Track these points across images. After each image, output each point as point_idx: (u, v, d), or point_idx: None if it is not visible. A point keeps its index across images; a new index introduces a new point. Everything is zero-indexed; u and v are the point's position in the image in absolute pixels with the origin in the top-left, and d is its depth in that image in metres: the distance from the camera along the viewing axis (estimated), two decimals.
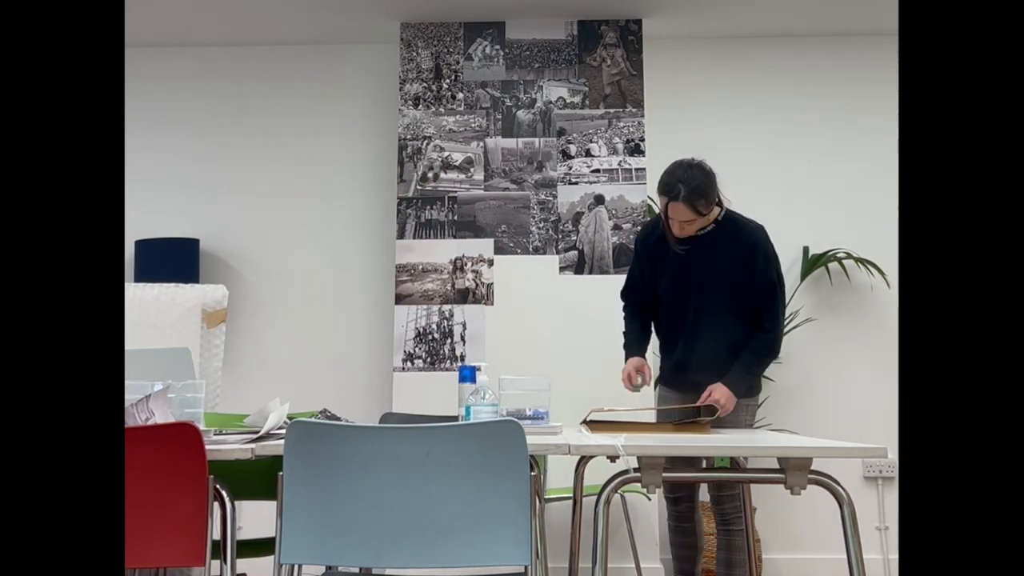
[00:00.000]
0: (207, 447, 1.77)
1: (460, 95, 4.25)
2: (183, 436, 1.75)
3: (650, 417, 2.87)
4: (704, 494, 4.10)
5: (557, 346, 4.01)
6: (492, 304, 4.10)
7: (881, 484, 4.21)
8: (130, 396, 1.97)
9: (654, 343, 2.97)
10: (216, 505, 1.79)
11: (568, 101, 4.23)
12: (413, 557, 1.67)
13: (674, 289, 2.79)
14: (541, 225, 4.14)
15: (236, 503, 1.85)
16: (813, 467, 1.85)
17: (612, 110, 4.21)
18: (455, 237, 4.15)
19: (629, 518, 3.84)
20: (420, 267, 4.13)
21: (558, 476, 3.79)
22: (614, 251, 4.10)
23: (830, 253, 4.24)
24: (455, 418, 2.34)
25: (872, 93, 4.47)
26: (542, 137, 4.21)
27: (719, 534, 2.80)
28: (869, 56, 4.49)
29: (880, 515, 4.18)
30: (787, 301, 4.30)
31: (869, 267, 4.25)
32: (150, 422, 1.91)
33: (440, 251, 4.14)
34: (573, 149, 4.19)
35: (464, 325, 4.08)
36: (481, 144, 4.21)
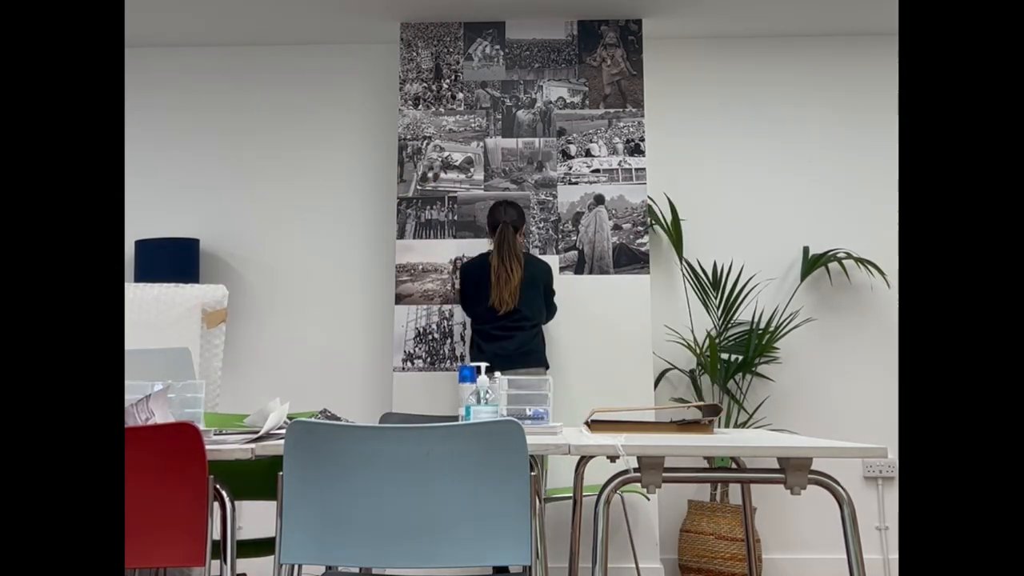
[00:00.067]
0: (207, 447, 1.76)
1: (460, 95, 4.25)
2: (183, 436, 1.75)
3: (651, 417, 2.87)
4: (704, 494, 4.11)
5: (557, 346, 4.01)
6: None
7: (881, 484, 4.21)
8: (130, 396, 1.97)
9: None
10: (216, 505, 1.79)
11: (568, 101, 4.23)
12: (413, 557, 1.67)
13: None
14: (541, 225, 4.14)
15: (236, 503, 1.85)
16: (813, 467, 1.85)
17: (612, 110, 4.21)
18: (455, 237, 4.15)
19: (629, 518, 3.84)
20: (420, 267, 4.13)
21: (558, 476, 3.79)
22: (614, 251, 4.10)
23: (830, 253, 4.24)
24: (455, 418, 2.34)
25: (872, 93, 4.47)
26: (542, 137, 4.21)
27: None
28: (869, 56, 4.49)
29: (880, 515, 4.18)
30: (788, 301, 4.30)
31: (869, 267, 4.25)
32: (150, 422, 1.91)
33: (440, 251, 4.14)
34: (573, 149, 4.19)
35: (464, 325, 4.08)
36: (481, 144, 4.21)
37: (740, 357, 4.12)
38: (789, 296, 4.32)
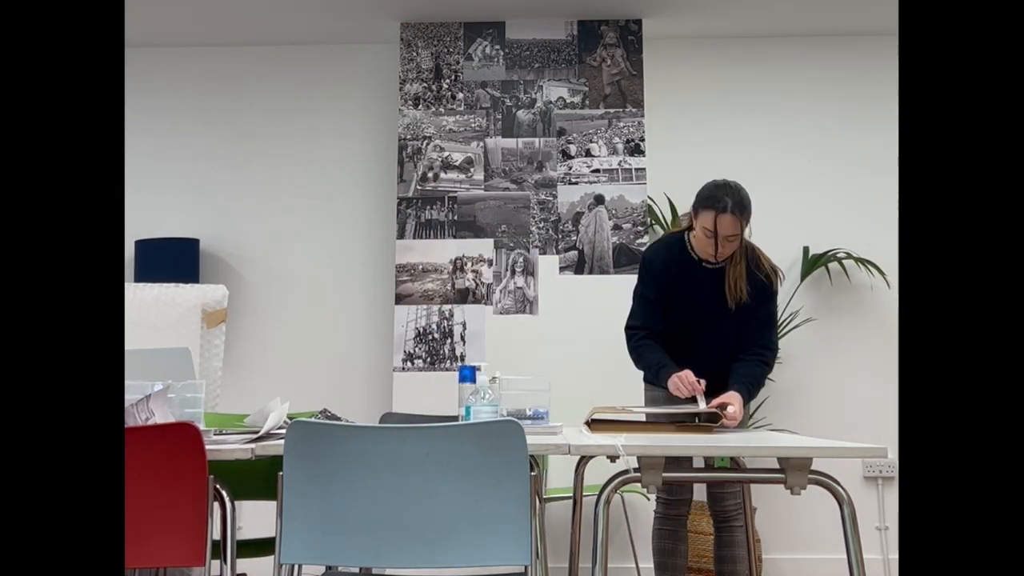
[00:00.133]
0: (207, 447, 1.77)
1: (460, 95, 4.25)
2: (183, 436, 1.75)
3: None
4: (699, 494, 4.11)
5: (557, 346, 4.01)
6: (492, 304, 4.10)
7: (881, 484, 4.21)
8: (130, 396, 1.97)
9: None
10: (216, 505, 1.79)
11: (568, 101, 4.23)
12: (413, 557, 1.67)
13: (690, 317, 2.71)
14: (541, 225, 4.14)
15: (236, 503, 1.85)
16: (813, 467, 1.85)
17: (612, 110, 4.21)
18: (455, 237, 4.15)
19: (629, 518, 3.84)
20: (420, 267, 4.13)
21: (558, 476, 3.79)
22: (614, 251, 4.10)
23: (830, 253, 4.24)
24: (455, 418, 2.34)
25: (872, 93, 4.47)
26: (542, 137, 4.21)
27: (720, 532, 2.78)
28: (869, 56, 4.49)
29: (880, 515, 4.18)
30: (787, 301, 4.30)
31: (869, 267, 4.25)
32: (150, 422, 1.91)
33: (440, 251, 4.14)
34: (573, 149, 4.19)
35: (464, 325, 4.08)
36: (481, 144, 4.21)
37: None
38: (789, 296, 4.32)
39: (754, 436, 2.36)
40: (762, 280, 2.68)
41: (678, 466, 2.69)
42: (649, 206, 4.19)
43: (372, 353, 4.40)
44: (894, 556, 4.13)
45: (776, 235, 4.39)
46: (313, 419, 1.76)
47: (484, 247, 4.15)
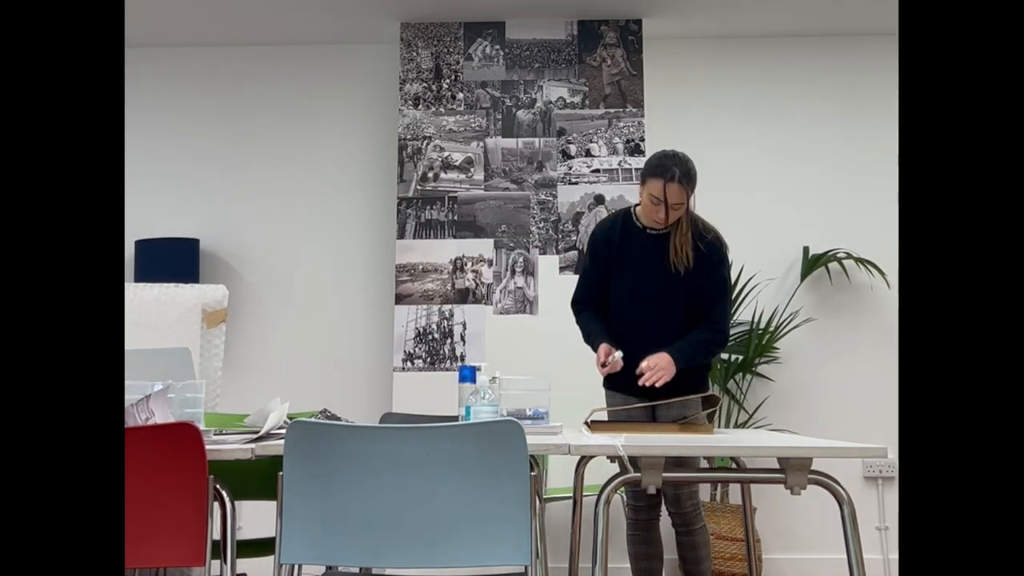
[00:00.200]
0: (207, 447, 1.77)
1: (460, 95, 4.25)
2: (183, 436, 1.75)
3: (650, 413, 2.86)
4: (704, 494, 4.10)
5: (557, 346, 4.01)
6: (492, 304, 4.10)
7: (881, 484, 4.21)
8: (130, 396, 1.97)
9: None
10: (216, 505, 1.79)
11: (568, 101, 4.23)
12: (413, 557, 1.67)
13: (635, 285, 2.77)
14: (541, 225, 4.14)
15: (236, 503, 1.86)
16: (813, 467, 1.85)
17: (612, 110, 4.21)
18: (455, 237, 4.15)
19: None
20: (420, 267, 4.13)
21: (558, 476, 3.78)
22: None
23: (830, 253, 4.24)
24: (455, 418, 2.34)
25: (872, 93, 4.47)
26: (542, 137, 4.21)
27: (680, 536, 2.78)
28: (869, 56, 4.49)
29: (880, 515, 4.18)
30: (788, 301, 4.30)
31: (869, 267, 4.25)
32: (150, 422, 1.91)
33: (440, 251, 4.14)
34: (573, 149, 4.19)
35: (464, 325, 4.08)
36: (481, 144, 4.21)
37: (740, 357, 4.12)
38: (789, 296, 4.32)
39: (754, 436, 2.36)
40: (709, 243, 2.73)
41: (679, 466, 2.70)
42: None
43: (372, 353, 4.40)
44: (894, 556, 4.13)
45: (776, 235, 4.40)
46: (313, 419, 1.76)
47: (484, 247, 4.15)
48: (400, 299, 4.11)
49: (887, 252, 4.31)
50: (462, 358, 4.04)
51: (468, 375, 2.34)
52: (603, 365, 2.72)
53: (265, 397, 4.35)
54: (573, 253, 4.11)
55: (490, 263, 4.12)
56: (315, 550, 1.69)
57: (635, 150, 4.18)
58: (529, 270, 4.11)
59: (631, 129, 4.19)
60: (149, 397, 1.96)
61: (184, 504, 1.75)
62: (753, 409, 4.23)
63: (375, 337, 4.41)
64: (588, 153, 4.18)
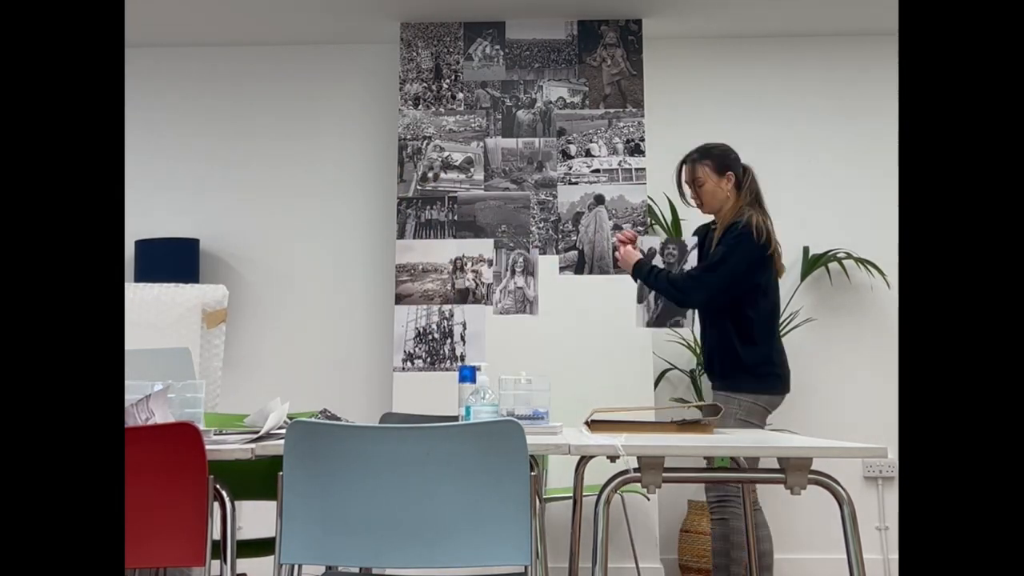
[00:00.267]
0: (207, 447, 1.76)
1: (460, 95, 4.25)
2: (183, 436, 1.75)
3: (651, 417, 2.87)
4: (700, 494, 4.11)
5: (558, 346, 4.01)
6: (492, 304, 4.10)
7: (881, 484, 4.21)
8: (130, 396, 1.97)
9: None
10: (216, 505, 1.79)
11: (568, 101, 4.23)
12: (413, 557, 1.67)
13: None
14: (541, 225, 4.14)
15: (236, 503, 1.85)
16: (813, 467, 1.85)
17: (612, 110, 4.21)
18: (455, 237, 4.15)
19: (629, 518, 3.84)
20: (420, 267, 4.13)
21: (558, 476, 3.78)
22: (614, 251, 4.10)
23: (830, 253, 4.24)
24: (455, 418, 2.34)
25: (872, 93, 4.47)
26: (542, 137, 4.21)
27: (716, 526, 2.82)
28: (869, 56, 4.49)
29: (880, 515, 4.18)
30: (788, 301, 4.30)
31: (869, 267, 4.25)
32: (150, 422, 1.91)
33: (440, 251, 4.14)
34: (573, 149, 4.19)
35: (464, 325, 4.08)
36: (481, 144, 4.21)
37: None
38: (789, 296, 4.32)
39: (754, 436, 2.36)
40: (734, 226, 2.83)
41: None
42: (649, 206, 4.19)
43: (372, 353, 4.40)
44: (894, 556, 4.13)
45: (776, 235, 4.39)
46: (313, 419, 1.76)
47: (484, 247, 4.15)
48: (400, 299, 4.11)
49: (887, 252, 4.31)
50: (462, 358, 4.04)
51: (468, 375, 2.33)
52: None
53: (265, 397, 4.33)
54: (573, 253, 4.11)
55: (490, 263, 4.12)
56: (315, 550, 1.69)
57: (635, 150, 4.18)
58: (529, 270, 4.11)
59: (631, 129, 4.19)
60: (149, 397, 1.96)
61: (184, 504, 1.74)
62: None
63: (375, 337, 4.41)
64: (588, 153, 4.18)
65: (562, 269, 4.10)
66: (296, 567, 2.19)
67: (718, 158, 2.87)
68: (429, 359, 4.06)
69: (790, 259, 4.35)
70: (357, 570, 1.98)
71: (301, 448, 1.69)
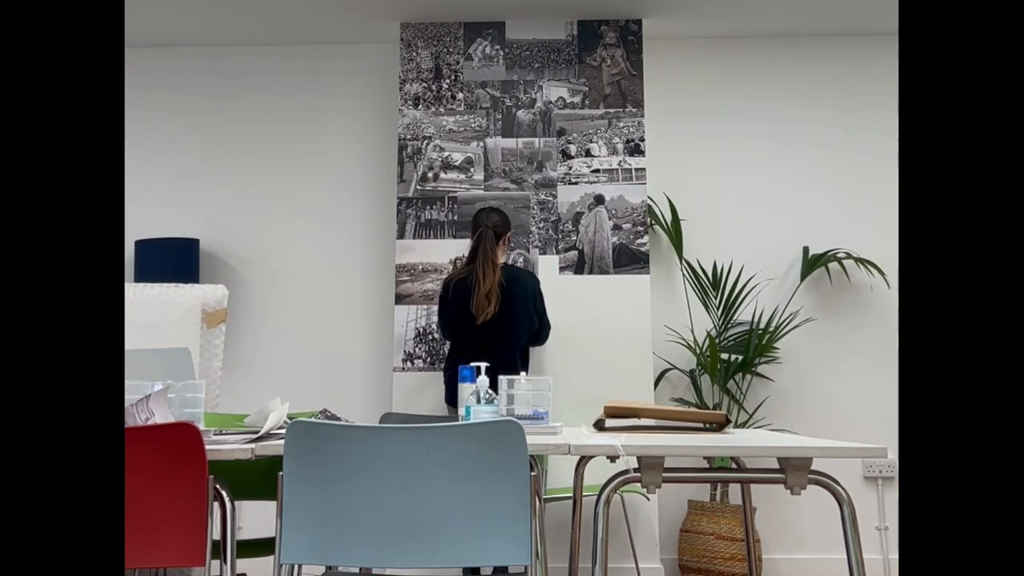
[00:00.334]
0: (207, 447, 1.77)
1: (460, 95, 4.25)
2: (183, 436, 1.75)
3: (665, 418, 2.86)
4: (704, 494, 4.11)
5: (558, 346, 4.01)
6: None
7: (881, 484, 4.21)
8: (130, 396, 1.97)
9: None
10: (216, 505, 1.79)
11: (568, 101, 4.23)
12: (413, 557, 1.67)
13: None
14: (541, 225, 4.14)
15: (236, 503, 1.85)
16: (813, 467, 1.85)
17: (612, 110, 4.21)
18: (455, 237, 4.15)
19: (629, 518, 3.84)
20: (420, 267, 4.13)
21: (558, 476, 3.79)
22: (614, 251, 4.10)
23: (830, 253, 4.24)
24: (455, 418, 2.34)
25: (872, 93, 4.47)
26: (542, 137, 4.21)
27: None
28: (869, 56, 4.49)
29: (880, 515, 4.18)
30: (788, 301, 4.30)
31: (869, 267, 4.25)
32: (150, 422, 1.91)
33: (440, 251, 4.14)
34: (573, 149, 4.19)
35: None
36: (481, 144, 4.21)
37: (740, 357, 4.12)
38: (789, 296, 4.32)
39: (754, 436, 2.36)
40: None
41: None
42: (649, 206, 4.19)
43: (372, 353, 4.40)
44: (894, 556, 4.13)
45: (776, 235, 4.40)
46: (313, 419, 1.76)
47: None
48: (400, 299, 4.11)
49: (887, 252, 4.31)
50: None
51: (468, 375, 2.34)
52: None
53: (265, 397, 4.35)
54: (573, 253, 4.11)
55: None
56: (315, 550, 1.69)
57: (635, 150, 4.18)
58: (529, 270, 4.11)
59: (631, 129, 4.19)
60: (149, 397, 1.96)
61: (184, 504, 1.74)
62: (753, 409, 4.23)
63: (375, 337, 4.41)
64: (588, 153, 4.18)
65: (562, 269, 4.10)
66: (296, 567, 2.19)
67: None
68: (429, 359, 4.06)
69: (790, 259, 4.36)
70: (357, 570, 1.98)
71: (301, 448, 1.69)
